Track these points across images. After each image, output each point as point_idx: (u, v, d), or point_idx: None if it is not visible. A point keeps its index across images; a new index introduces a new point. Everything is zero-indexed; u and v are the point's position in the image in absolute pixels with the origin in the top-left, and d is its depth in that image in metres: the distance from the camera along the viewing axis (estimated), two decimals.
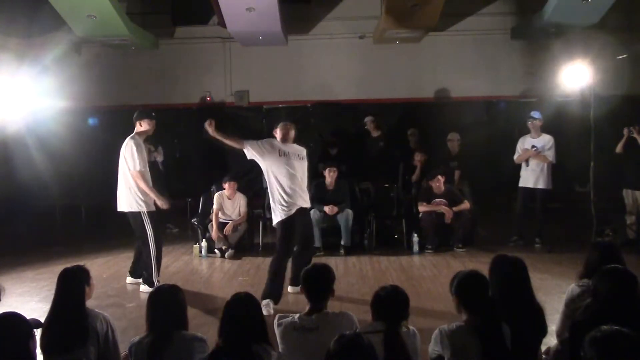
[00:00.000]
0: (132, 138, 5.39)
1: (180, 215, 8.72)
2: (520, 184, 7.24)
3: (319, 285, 2.88)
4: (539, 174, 7.08)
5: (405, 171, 8.26)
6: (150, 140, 8.71)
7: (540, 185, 7.08)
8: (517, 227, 7.31)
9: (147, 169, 5.46)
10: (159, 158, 8.85)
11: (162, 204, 5.39)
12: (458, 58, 9.99)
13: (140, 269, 5.58)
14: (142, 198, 5.29)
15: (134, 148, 5.26)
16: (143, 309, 2.72)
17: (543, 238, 7.10)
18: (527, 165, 7.17)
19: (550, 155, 7.07)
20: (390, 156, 8.51)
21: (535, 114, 7.24)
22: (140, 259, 5.58)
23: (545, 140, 7.13)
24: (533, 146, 7.11)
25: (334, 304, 4.39)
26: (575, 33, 9.12)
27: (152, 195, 5.32)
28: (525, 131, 7.36)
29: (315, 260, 5.76)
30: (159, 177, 8.89)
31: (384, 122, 9.19)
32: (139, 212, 5.30)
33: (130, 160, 5.26)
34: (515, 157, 7.30)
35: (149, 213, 5.32)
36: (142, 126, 5.49)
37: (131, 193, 5.29)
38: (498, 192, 7.41)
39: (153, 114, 5.65)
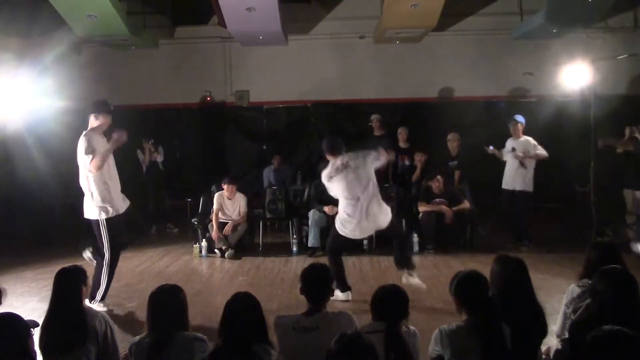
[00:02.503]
0: (85, 136, 4.81)
1: (180, 215, 8.73)
2: (502, 186, 7.27)
3: (317, 285, 2.88)
4: (515, 175, 7.07)
5: (396, 169, 8.29)
6: (151, 141, 8.76)
7: (518, 187, 7.06)
8: (509, 229, 7.36)
9: (113, 172, 4.96)
10: (159, 158, 8.87)
11: (102, 212, 4.82)
12: (458, 58, 9.99)
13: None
14: (102, 204, 4.82)
15: (85, 142, 4.72)
16: (143, 309, 2.72)
17: (531, 242, 7.04)
18: (509, 166, 7.19)
19: (540, 151, 6.98)
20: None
21: (519, 117, 7.23)
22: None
23: (526, 143, 7.06)
24: (513, 148, 7.11)
25: (334, 304, 4.39)
26: (575, 33, 9.13)
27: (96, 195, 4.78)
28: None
29: (314, 260, 5.78)
30: (159, 177, 8.92)
31: (385, 122, 9.17)
32: (97, 220, 4.85)
33: (82, 156, 4.74)
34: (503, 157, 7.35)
35: (108, 220, 4.84)
36: (98, 120, 4.90)
37: (92, 199, 4.86)
38: (498, 193, 7.42)
39: (112, 107, 5.12)
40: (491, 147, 7.36)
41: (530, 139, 7.09)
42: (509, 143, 7.23)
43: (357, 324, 2.81)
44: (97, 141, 4.85)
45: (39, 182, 8.62)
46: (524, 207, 7.13)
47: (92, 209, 4.87)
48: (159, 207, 8.96)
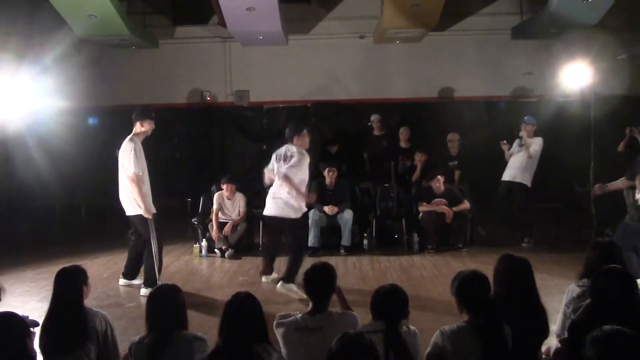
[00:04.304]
0: (132, 141, 5.23)
1: (181, 215, 8.72)
2: (502, 178, 7.42)
3: (320, 285, 2.88)
4: (519, 168, 7.22)
5: (396, 169, 8.32)
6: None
7: (518, 179, 7.21)
8: (504, 221, 7.46)
9: (146, 172, 5.32)
10: None
11: (145, 212, 5.17)
12: (458, 58, 9.99)
13: (133, 271, 5.60)
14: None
15: (132, 153, 5.12)
16: (143, 309, 2.72)
17: (531, 236, 7.16)
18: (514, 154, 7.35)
19: (532, 149, 7.12)
20: (391, 156, 8.52)
21: (530, 119, 7.31)
22: (138, 260, 5.54)
23: (533, 140, 7.24)
24: (521, 143, 7.22)
25: (334, 305, 4.38)
26: (575, 33, 9.12)
27: (140, 202, 5.14)
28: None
29: (315, 260, 5.78)
30: None
31: (385, 122, 9.19)
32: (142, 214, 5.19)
33: (127, 165, 5.14)
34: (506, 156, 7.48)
35: (153, 215, 5.24)
36: (143, 127, 5.31)
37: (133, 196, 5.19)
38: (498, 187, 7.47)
39: (153, 114, 5.49)
40: (506, 143, 7.43)
41: (539, 139, 7.20)
42: (517, 143, 7.36)
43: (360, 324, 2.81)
44: (141, 150, 5.24)
45: (39, 182, 8.63)
46: (520, 200, 7.19)
47: (136, 205, 5.22)
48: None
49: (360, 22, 9.94)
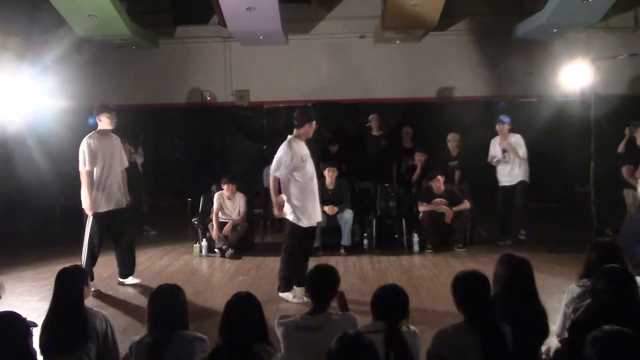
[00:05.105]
0: (89, 137, 5.37)
1: (181, 215, 8.72)
2: (500, 184, 7.39)
3: (323, 286, 2.88)
4: (513, 170, 7.23)
5: (399, 169, 8.32)
6: (130, 142, 8.57)
7: (518, 179, 7.20)
8: (502, 227, 7.41)
9: (111, 171, 5.42)
10: (139, 160, 8.69)
11: (87, 209, 5.34)
12: (458, 58, 10.00)
13: (127, 268, 5.71)
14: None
15: (84, 151, 5.29)
16: (143, 309, 2.72)
17: (527, 230, 7.21)
18: (502, 164, 7.32)
19: (521, 152, 7.15)
20: (390, 155, 8.53)
21: (505, 118, 7.31)
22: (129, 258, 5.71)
23: (513, 140, 7.23)
24: (504, 151, 7.24)
25: (334, 305, 4.39)
26: (575, 33, 9.13)
27: (85, 197, 5.32)
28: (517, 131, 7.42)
29: (316, 260, 5.78)
30: (137, 178, 8.70)
31: (384, 122, 9.19)
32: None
33: (80, 161, 5.32)
34: (488, 158, 7.46)
35: (94, 214, 5.35)
36: (100, 121, 5.42)
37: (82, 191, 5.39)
38: (498, 192, 7.46)
39: (111, 106, 5.58)
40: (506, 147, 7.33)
41: (518, 136, 7.23)
42: (497, 146, 7.34)
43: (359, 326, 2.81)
44: (97, 145, 5.34)
45: (39, 181, 8.63)
46: (523, 197, 7.22)
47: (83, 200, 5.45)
48: (137, 210, 8.74)
49: (360, 22, 9.95)
